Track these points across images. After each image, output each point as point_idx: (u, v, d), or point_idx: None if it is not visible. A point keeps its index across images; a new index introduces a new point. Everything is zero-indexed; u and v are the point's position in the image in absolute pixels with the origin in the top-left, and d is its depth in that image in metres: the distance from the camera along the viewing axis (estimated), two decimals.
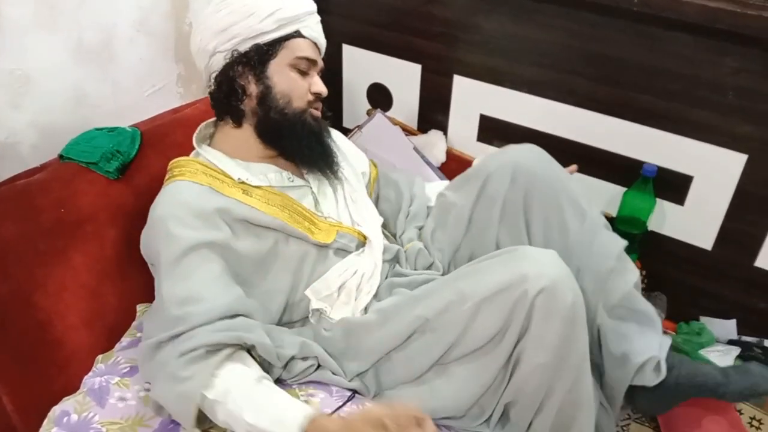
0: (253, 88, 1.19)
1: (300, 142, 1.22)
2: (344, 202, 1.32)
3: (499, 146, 1.86)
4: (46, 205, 1.20)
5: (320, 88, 1.24)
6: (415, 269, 1.33)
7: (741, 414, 1.46)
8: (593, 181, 1.74)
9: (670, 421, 1.44)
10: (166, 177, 1.19)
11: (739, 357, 1.60)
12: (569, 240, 1.23)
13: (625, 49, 1.55)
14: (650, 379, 1.17)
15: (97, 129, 1.34)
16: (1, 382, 1.09)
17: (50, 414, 1.00)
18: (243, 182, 1.18)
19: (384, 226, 1.41)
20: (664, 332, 1.63)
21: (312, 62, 1.23)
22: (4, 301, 1.11)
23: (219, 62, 1.20)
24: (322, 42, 1.28)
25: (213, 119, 1.29)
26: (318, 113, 1.26)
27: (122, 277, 1.27)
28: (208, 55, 1.20)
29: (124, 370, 1.06)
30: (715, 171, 1.55)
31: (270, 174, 1.24)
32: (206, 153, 1.22)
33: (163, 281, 1.05)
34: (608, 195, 1.73)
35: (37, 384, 1.12)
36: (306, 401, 1.07)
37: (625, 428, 1.47)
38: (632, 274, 1.24)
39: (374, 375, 1.16)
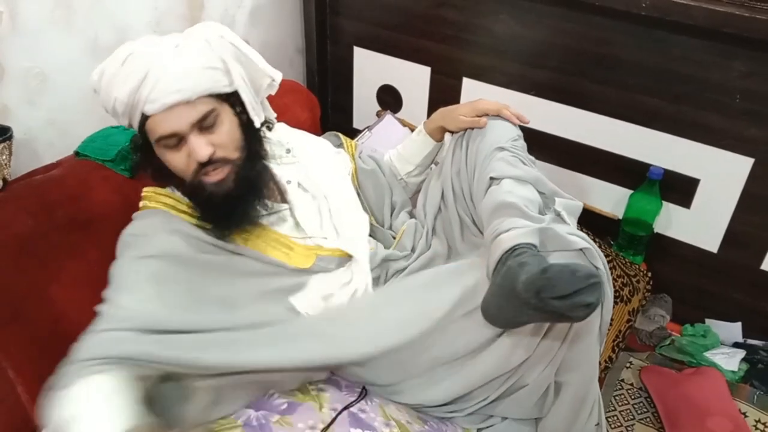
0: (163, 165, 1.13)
1: (209, 212, 1.13)
2: (329, 217, 1.26)
3: None
4: (61, 200, 1.22)
5: (198, 156, 1.06)
6: (414, 248, 1.32)
7: (746, 417, 1.47)
8: (600, 183, 1.76)
9: (675, 422, 1.45)
10: (140, 204, 1.18)
11: (744, 360, 1.61)
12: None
13: (633, 52, 1.56)
14: None
15: (113, 127, 1.37)
16: (16, 373, 1.10)
17: None
18: None
19: (373, 216, 1.41)
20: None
21: (170, 137, 1.07)
22: (21, 294, 1.13)
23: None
24: (175, 99, 1.03)
25: None
26: (213, 177, 1.10)
27: None
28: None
29: None
30: (721, 174, 1.56)
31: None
32: (176, 191, 1.18)
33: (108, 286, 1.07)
34: (615, 197, 1.74)
35: (52, 375, 1.13)
36: (316, 395, 1.09)
37: (629, 428, 1.48)
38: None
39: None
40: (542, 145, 1.79)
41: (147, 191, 1.18)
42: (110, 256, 1.24)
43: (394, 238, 1.37)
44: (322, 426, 1.03)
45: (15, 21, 1.27)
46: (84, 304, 1.18)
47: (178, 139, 1.06)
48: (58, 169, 1.28)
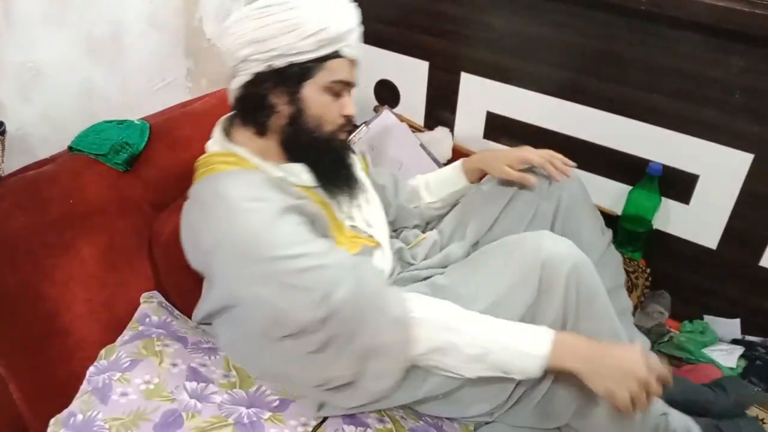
0: (284, 108, 1.13)
1: (325, 166, 1.18)
2: (357, 205, 1.28)
3: (505, 144, 1.86)
4: (54, 196, 1.21)
5: (351, 110, 1.16)
6: (425, 259, 1.32)
7: None
8: (598, 179, 1.74)
9: None
10: (201, 171, 1.15)
11: (742, 356, 1.60)
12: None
13: (632, 47, 1.55)
14: None
15: (107, 122, 1.36)
16: (8, 370, 1.10)
17: (58, 416, 1.01)
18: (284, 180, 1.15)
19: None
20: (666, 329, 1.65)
21: (347, 84, 1.16)
22: (13, 291, 1.12)
23: (250, 71, 1.12)
24: (361, 58, 1.18)
25: (230, 115, 1.23)
26: (344, 136, 1.21)
27: (130, 268, 1.28)
28: (239, 60, 1.12)
29: (125, 365, 1.06)
30: (720, 170, 1.55)
31: (303, 175, 1.18)
32: (238, 150, 1.16)
33: (275, 253, 1.00)
34: (613, 193, 1.73)
35: (44, 373, 1.13)
36: None
37: None
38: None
39: None
40: (541, 141, 1.78)
41: (208, 157, 1.17)
42: (104, 253, 1.24)
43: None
44: (314, 423, 1.02)
45: (8, 15, 1.26)
46: (77, 302, 1.18)
47: (342, 90, 1.15)
48: (51, 165, 1.27)
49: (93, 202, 1.26)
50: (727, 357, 1.60)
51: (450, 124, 1.93)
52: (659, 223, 1.70)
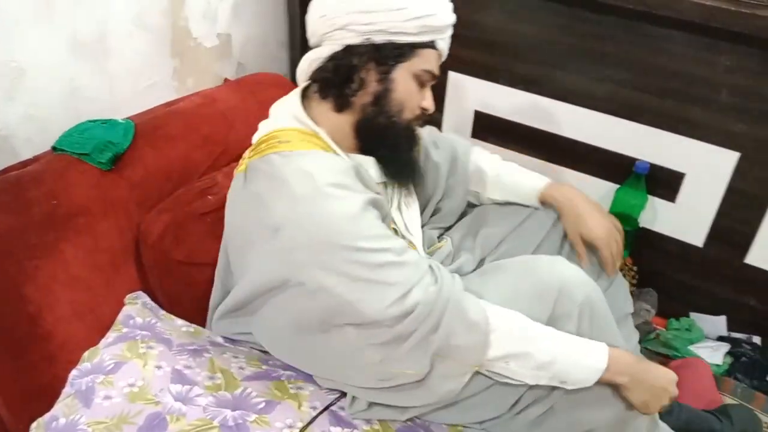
0: (372, 85, 1.09)
1: (397, 153, 1.17)
2: (398, 207, 1.26)
3: (494, 144, 1.86)
4: (37, 196, 1.20)
5: (430, 104, 1.16)
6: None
7: None
8: (586, 178, 1.75)
9: None
10: (273, 143, 1.08)
11: (728, 353, 1.61)
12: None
13: (619, 46, 1.55)
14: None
15: (91, 121, 1.35)
16: None
17: (40, 419, 1.00)
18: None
19: None
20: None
21: (433, 77, 1.15)
22: None
23: (344, 41, 1.07)
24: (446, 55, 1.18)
25: (305, 87, 1.17)
26: (419, 129, 1.21)
27: (114, 269, 1.27)
28: (334, 28, 1.07)
29: (109, 368, 1.04)
30: (707, 169, 1.56)
31: (371, 170, 1.17)
32: (320, 132, 1.11)
33: (357, 244, 0.97)
34: (600, 192, 1.73)
35: (27, 376, 1.12)
36: (295, 394, 1.08)
37: None
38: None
39: None
40: (528, 140, 1.78)
41: (283, 131, 1.10)
42: (87, 254, 1.23)
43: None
44: (300, 425, 1.01)
45: None
46: (60, 305, 1.16)
47: (428, 82, 1.15)
48: (34, 165, 1.26)
49: (77, 203, 1.24)
50: (713, 354, 1.61)
51: (438, 123, 1.93)
52: (646, 221, 1.70)
